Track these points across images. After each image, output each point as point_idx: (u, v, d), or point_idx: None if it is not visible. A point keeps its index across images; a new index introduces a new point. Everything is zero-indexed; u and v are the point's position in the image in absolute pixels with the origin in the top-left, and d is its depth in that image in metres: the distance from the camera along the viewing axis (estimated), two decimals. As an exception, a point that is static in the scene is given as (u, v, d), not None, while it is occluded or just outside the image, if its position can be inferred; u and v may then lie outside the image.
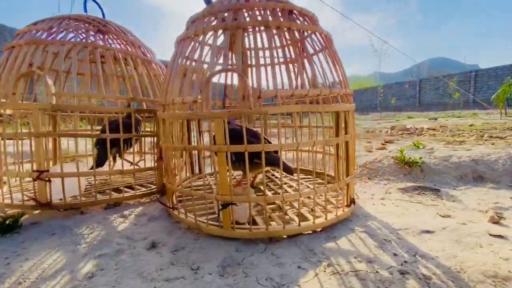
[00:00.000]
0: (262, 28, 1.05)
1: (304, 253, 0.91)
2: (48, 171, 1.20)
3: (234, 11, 1.06)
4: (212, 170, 1.83)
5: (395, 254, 0.88)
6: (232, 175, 1.83)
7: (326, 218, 1.06)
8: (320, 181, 1.58)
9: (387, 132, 4.15)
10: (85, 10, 1.53)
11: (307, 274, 0.79)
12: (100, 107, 1.37)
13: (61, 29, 1.34)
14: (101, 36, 1.43)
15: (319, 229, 1.05)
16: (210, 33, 1.05)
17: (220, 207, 0.99)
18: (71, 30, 1.36)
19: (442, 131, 3.76)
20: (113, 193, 1.43)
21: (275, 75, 0.96)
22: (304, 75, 1.03)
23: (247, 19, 1.13)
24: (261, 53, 1.70)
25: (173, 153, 1.22)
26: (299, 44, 1.17)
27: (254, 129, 1.60)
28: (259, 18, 1.15)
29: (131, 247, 0.99)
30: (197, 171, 1.79)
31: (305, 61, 1.12)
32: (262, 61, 1.74)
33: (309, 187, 1.50)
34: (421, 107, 16.07)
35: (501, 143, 2.40)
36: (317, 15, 1.23)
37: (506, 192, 1.47)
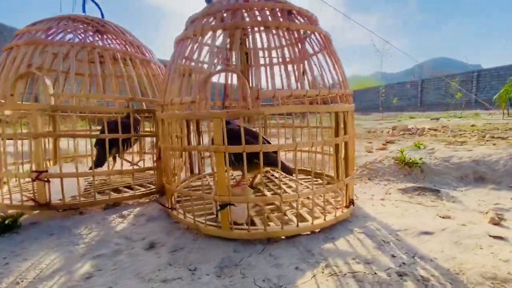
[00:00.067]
0: (261, 28, 1.04)
1: (302, 254, 0.90)
2: (47, 171, 1.20)
3: (233, 11, 1.05)
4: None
5: (393, 256, 0.87)
6: (232, 175, 1.83)
7: (324, 219, 1.06)
8: (320, 181, 1.57)
9: (388, 132, 4.14)
10: (84, 11, 1.53)
11: (305, 275, 0.79)
12: (99, 107, 1.38)
13: (60, 30, 1.35)
14: (100, 36, 1.43)
15: (317, 230, 1.05)
16: (209, 33, 1.05)
17: (218, 207, 0.99)
18: (69, 30, 1.36)
19: (443, 132, 3.74)
20: (112, 193, 1.44)
21: (274, 75, 0.96)
22: (303, 75, 1.02)
23: (246, 19, 1.12)
24: (261, 53, 1.69)
25: (171, 153, 1.22)
26: (298, 44, 1.16)
27: (254, 129, 1.60)
28: (258, 18, 1.14)
29: (129, 248, 0.99)
30: (196, 171, 1.78)
31: (305, 61, 1.12)
32: (262, 61, 1.73)
33: (308, 188, 1.50)
34: (423, 107, 16.01)
35: (502, 143, 2.39)
36: (317, 15, 1.22)
37: (507, 193, 1.46)
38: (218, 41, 1.09)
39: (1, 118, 1.24)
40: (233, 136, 1.00)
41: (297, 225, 1.00)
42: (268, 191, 1.47)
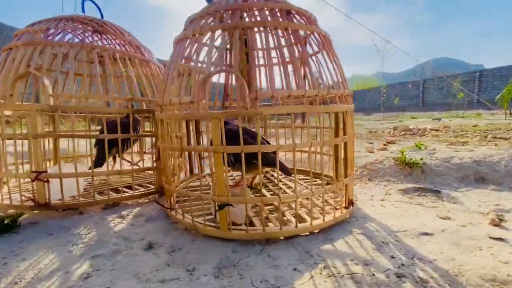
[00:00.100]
0: (260, 28, 1.04)
1: (300, 254, 0.90)
2: (46, 171, 1.21)
3: (231, 11, 1.05)
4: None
5: (392, 257, 0.87)
6: (232, 176, 1.83)
7: (323, 220, 1.05)
8: (320, 182, 1.57)
9: (389, 132, 4.13)
10: (83, 11, 1.53)
11: (303, 277, 0.78)
12: (98, 107, 1.38)
13: (59, 30, 1.35)
14: (99, 37, 1.43)
15: (316, 231, 1.05)
16: (208, 33, 1.05)
17: (217, 208, 0.99)
18: (68, 31, 1.36)
19: (445, 132, 3.73)
20: (111, 193, 1.44)
21: (272, 75, 0.96)
22: (302, 76, 1.02)
23: (245, 19, 1.12)
24: (261, 54, 1.69)
25: (170, 153, 1.22)
26: (298, 44, 1.16)
27: (253, 129, 1.60)
28: (258, 18, 1.14)
29: (128, 248, 0.99)
30: (196, 171, 1.78)
31: (303, 61, 1.11)
32: (262, 62, 1.73)
33: (308, 188, 1.49)
34: (425, 107, 15.96)
35: (504, 144, 2.37)
36: (319, 15, 1.22)
37: (508, 194, 1.45)
38: (217, 41, 1.09)
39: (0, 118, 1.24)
40: (231, 137, 1.00)
41: (296, 226, 1.00)
42: (268, 191, 1.46)
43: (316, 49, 1.21)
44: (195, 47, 1.10)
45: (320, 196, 1.28)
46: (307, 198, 1.29)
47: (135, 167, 1.55)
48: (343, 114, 1.15)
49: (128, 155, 1.91)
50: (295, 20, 1.11)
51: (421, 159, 1.78)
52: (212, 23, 1.06)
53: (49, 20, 1.44)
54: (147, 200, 1.48)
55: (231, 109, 1.77)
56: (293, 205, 1.25)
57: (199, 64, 1.27)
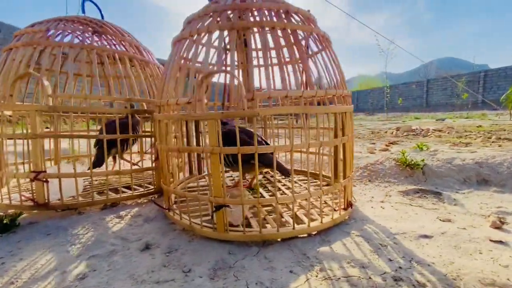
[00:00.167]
0: (259, 29, 1.03)
1: (297, 257, 0.89)
2: (45, 171, 1.21)
3: (230, 12, 1.05)
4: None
5: (390, 260, 0.86)
6: (231, 176, 1.83)
7: (321, 222, 1.04)
8: (319, 183, 1.55)
9: (392, 133, 4.10)
10: (83, 11, 1.54)
11: (298, 279, 0.77)
12: (97, 107, 1.38)
13: (58, 31, 1.35)
14: (98, 37, 1.43)
15: (314, 233, 1.04)
16: (205, 34, 1.05)
17: (214, 209, 0.99)
18: (68, 31, 1.37)
19: (448, 133, 3.69)
20: (111, 193, 1.44)
21: (269, 76, 0.95)
22: (299, 76, 1.01)
23: (243, 19, 1.12)
24: (260, 54, 1.69)
25: (170, 153, 1.22)
26: (296, 45, 1.15)
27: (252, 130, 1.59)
28: (257, 18, 1.13)
29: (125, 248, 0.99)
30: (196, 172, 1.78)
31: (302, 62, 1.10)
32: (261, 62, 1.72)
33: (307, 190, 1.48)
34: (429, 107, 15.85)
35: (508, 145, 2.34)
36: (322, 15, 1.21)
37: (510, 196, 1.43)
38: (215, 42, 1.09)
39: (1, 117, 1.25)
40: (230, 137, 1.00)
41: (293, 228, 0.99)
42: (267, 192, 1.46)
43: (315, 49, 1.20)
44: (193, 47, 1.10)
45: (318, 198, 1.27)
46: (305, 200, 1.29)
47: (135, 167, 1.56)
48: (341, 114, 1.14)
49: (128, 155, 1.91)
50: (293, 20, 1.10)
51: (422, 160, 1.76)
52: (210, 24, 1.06)
53: (49, 20, 1.45)
54: (146, 200, 1.48)
55: (232, 109, 1.76)
56: (291, 206, 1.24)
57: (197, 65, 1.27)
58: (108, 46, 1.50)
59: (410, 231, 1.04)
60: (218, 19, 1.05)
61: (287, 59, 1.44)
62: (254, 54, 1.76)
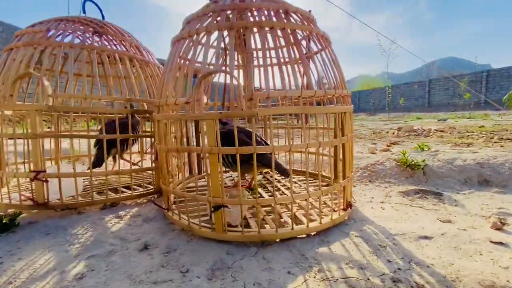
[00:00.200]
0: (258, 29, 1.03)
1: (295, 257, 0.89)
2: (45, 171, 1.21)
3: (228, 12, 1.04)
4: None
5: (389, 261, 0.85)
6: (231, 177, 1.83)
7: (320, 222, 1.04)
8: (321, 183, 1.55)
9: (393, 133, 4.08)
10: (84, 12, 1.54)
11: (296, 280, 0.77)
12: (97, 107, 1.38)
13: (59, 31, 1.36)
14: (99, 37, 1.44)
15: (313, 233, 1.03)
16: (204, 33, 1.05)
17: (212, 209, 0.98)
18: (69, 31, 1.37)
19: (450, 133, 3.67)
20: (110, 193, 1.44)
21: (267, 76, 0.95)
22: (298, 76, 1.01)
23: (242, 19, 1.11)
24: (260, 54, 1.68)
25: (168, 154, 1.22)
26: (296, 45, 1.15)
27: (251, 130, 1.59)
28: (256, 18, 1.13)
29: (124, 248, 0.99)
30: (196, 172, 1.78)
31: (301, 62, 1.10)
32: (260, 62, 1.72)
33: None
34: (431, 107, 15.79)
35: (510, 145, 2.33)
36: (324, 15, 1.21)
37: (512, 197, 1.42)
38: (214, 42, 1.08)
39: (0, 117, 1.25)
40: (229, 137, 0.99)
41: (292, 228, 0.99)
42: (266, 192, 1.46)
43: (315, 49, 1.19)
44: (191, 47, 1.10)
45: (317, 198, 1.26)
46: (305, 200, 1.28)
47: (135, 167, 1.56)
48: (340, 115, 1.14)
49: (128, 155, 1.91)
50: (292, 20, 1.10)
51: (423, 160, 1.75)
52: (209, 24, 1.05)
53: (50, 21, 1.45)
54: (145, 200, 1.48)
55: (232, 109, 1.76)
56: (290, 207, 1.23)
57: (197, 65, 1.26)
58: (108, 46, 1.50)
59: (410, 232, 1.04)
60: (217, 19, 1.05)
61: (287, 59, 1.44)
62: (254, 54, 1.75)
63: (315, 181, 1.60)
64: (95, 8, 1.71)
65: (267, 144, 1.35)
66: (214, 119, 0.91)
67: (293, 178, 1.69)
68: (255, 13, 1.13)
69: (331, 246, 0.95)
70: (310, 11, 1.20)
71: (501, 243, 0.94)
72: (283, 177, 1.65)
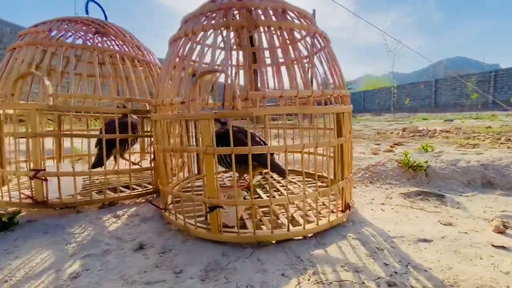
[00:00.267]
0: (256, 28, 1.02)
1: (290, 259, 0.88)
2: (44, 170, 1.22)
3: (225, 11, 1.04)
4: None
5: (385, 264, 0.84)
6: (231, 177, 1.82)
7: (317, 224, 1.02)
8: (319, 184, 1.53)
9: (398, 134, 4.03)
10: (87, 12, 1.55)
11: (290, 283, 0.76)
12: (97, 107, 1.39)
13: (61, 31, 1.37)
14: (100, 38, 1.44)
15: (310, 235, 1.02)
16: (201, 33, 1.04)
17: (208, 210, 0.98)
18: (71, 32, 1.38)
19: (456, 134, 3.61)
20: (109, 192, 1.45)
21: (263, 75, 0.94)
22: (293, 76, 1.00)
23: (239, 19, 1.11)
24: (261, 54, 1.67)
25: (165, 154, 1.21)
26: (292, 44, 1.13)
27: (251, 130, 1.58)
28: (254, 17, 1.12)
29: (119, 248, 0.99)
30: (196, 172, 1.78)
31: (299, 62, 1.09)
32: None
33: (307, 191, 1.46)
34: (437, 108, 15.59)
35: (516, 147, 2.28)
36: (330, 15, 1.21)
37: (517, 199, 1.39)
38: (211, 41, 1.08)
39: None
40: (225, 138, 0.99)
41: (288, 229, 0.98)
42: (265, 193, 1.45)
43: (314, 49, 1.18)
44: (188, 46, 1.09)
45: (315, 199, 1.25)
46: (301, 201, 1.27)
47: (134, 167, 1.56)
48: (339, 115, 1.12)
49: (129, 155, 1.92)
50: (290, 19, 1.09)
51: (426, 161, 1.72)
52: (206, 23, 1.05)
53: (52, 21, 1.47)
54: (144, 200, 1.48)
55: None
56: (288, 208, 1.22)
57: (194, 64, 1.26)
58: (110, 47, 1.51)
59: (409, 235, 1.02)
60: (214, 18, 1.04)
61: (284, 59, 1.42)
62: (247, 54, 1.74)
63: (314, 182, 1.59)
64: (98, 9, 1.72)
65: (265, 144, 1.34)
66: (209, 119, 0.91)
67: (293, 178, 1.68)
68: (253, 12, 1.12)
69: (327, 249, 0.93)
70: (314, 10, 1.19)
71: (503, 247, 0.92)
72: (281, 177, 1.64)
